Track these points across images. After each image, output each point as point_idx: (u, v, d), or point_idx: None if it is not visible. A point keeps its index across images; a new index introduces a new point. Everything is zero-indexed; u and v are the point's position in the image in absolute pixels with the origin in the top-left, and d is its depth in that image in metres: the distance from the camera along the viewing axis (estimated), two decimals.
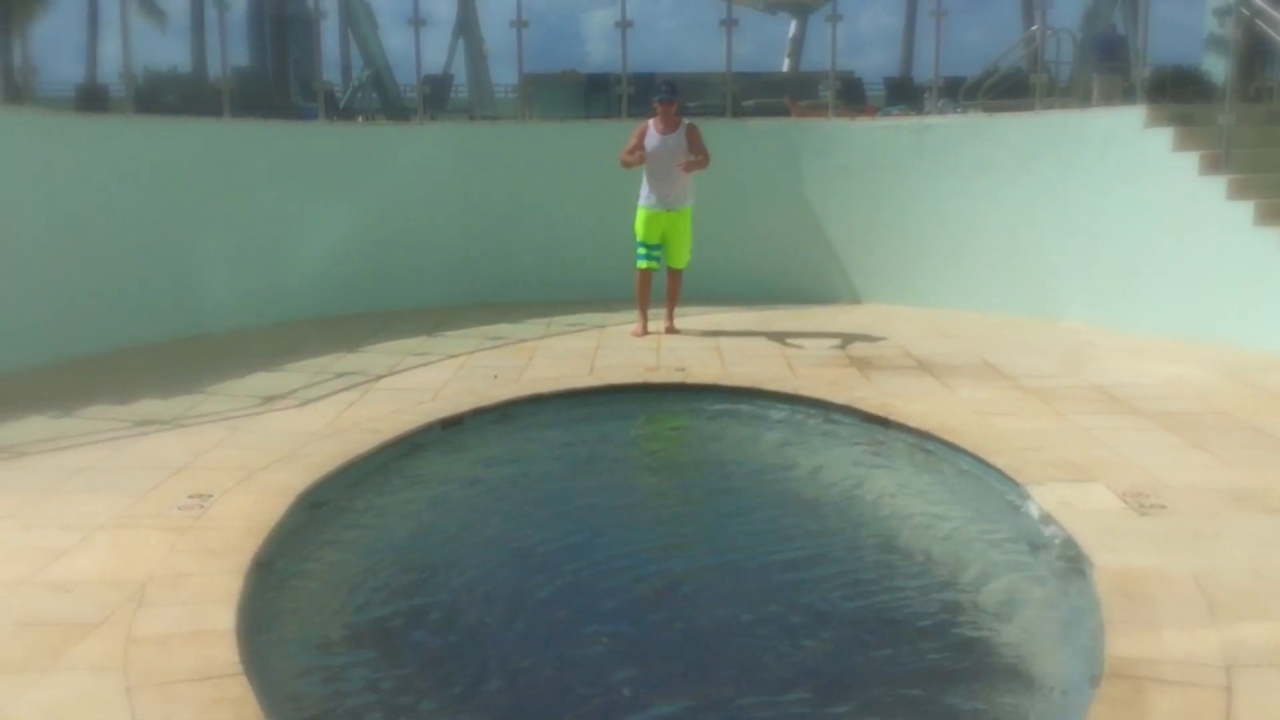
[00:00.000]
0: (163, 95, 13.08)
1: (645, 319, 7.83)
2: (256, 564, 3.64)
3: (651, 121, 7.77)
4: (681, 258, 7.87)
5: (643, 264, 7.81)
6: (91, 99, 12.99)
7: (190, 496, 4.27)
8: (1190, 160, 7.29)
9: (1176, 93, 10.28)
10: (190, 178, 7.89)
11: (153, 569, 3.56)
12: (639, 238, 7.80)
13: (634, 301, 7.87)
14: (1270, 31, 7.17)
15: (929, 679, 3.11)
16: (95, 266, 7.17)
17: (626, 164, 7.71)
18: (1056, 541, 3.88)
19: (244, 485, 4.41)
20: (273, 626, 3.36)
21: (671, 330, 7.83)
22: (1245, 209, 6.90)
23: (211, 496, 4.27)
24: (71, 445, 5.06)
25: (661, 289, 7.95)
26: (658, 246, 7.80)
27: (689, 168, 7.61)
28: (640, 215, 7.77)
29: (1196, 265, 7.26)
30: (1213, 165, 7.20)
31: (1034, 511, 4.16)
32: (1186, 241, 7.33)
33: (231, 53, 9.08)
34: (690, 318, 8.10)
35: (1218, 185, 7.09)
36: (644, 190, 7.75)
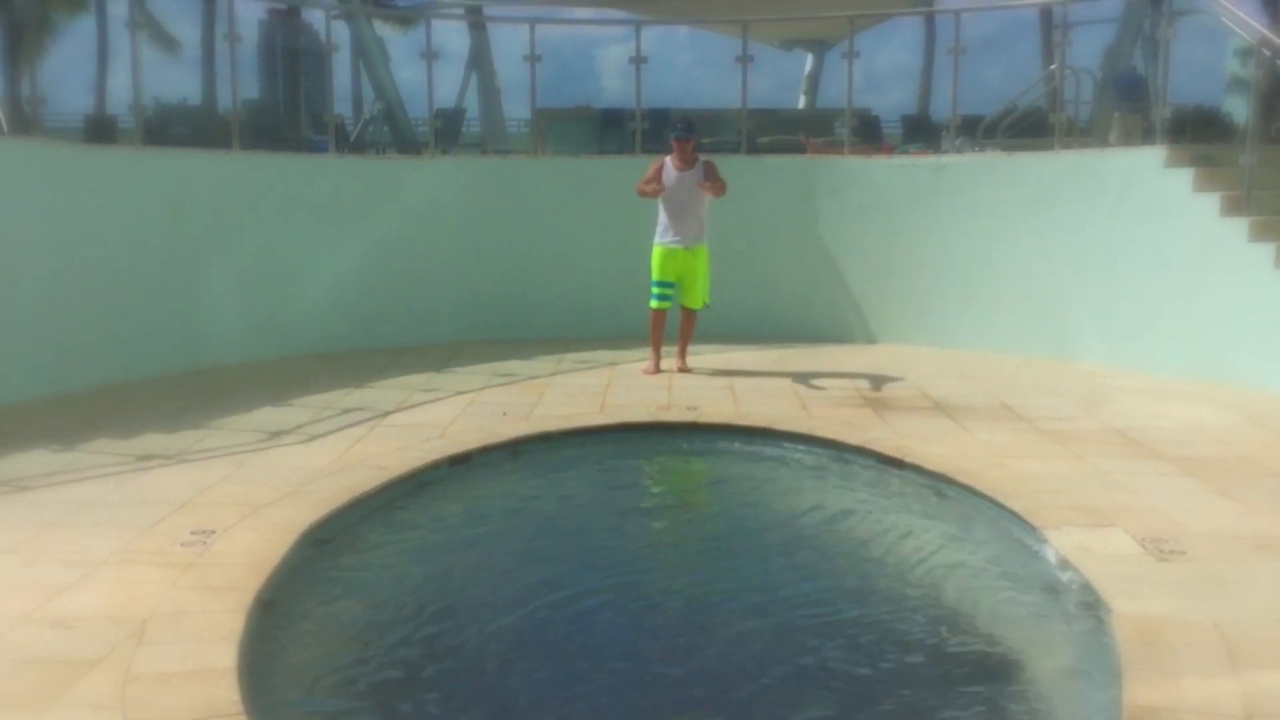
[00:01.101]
0: (172, 127, 13.24)
1: (658, 357, 7.87)
2: (259, 602, 3.66)
3: (668, 159, 7.80)
4: (698, 297, 7.88)
5: (655, 304, 7.87)
6: (100, 130, 13.17)
7: (193, 532, 4.30)
8: (1211, 201, 7.33)
9: (1197, 133, 10.33)
10: (199, 210, 7.99)
11: (154, 606, 3.59)
12: (654, 276, 7.83)
13: (646, 339, 7.92)
14: None
15: None
16: (101, 298, 7.25)
17: (643, 193, 7.78)
18: (1074, 587, 3.87)
19: (248, 521, 4.44)
20: (275, 666, 3.38)
21: (683, 369, 7.86)
22: (1267, 251, 6.92)
23: (215, 533, 4.30)
24: (74, 479, 5.10)
25: (675, 327, 7.98)
26: (672, 285, 7.84)
27: (706, 188, 7.62)
28: (656, 253, 7.82)
29: (1218, 307, 7.28)
30: (1234, 207, 7.24)
31: (1051, 556, 4.16)
32: (1207, 283, 7.35)
33: (242, 85, 9.19)
34: (703, 356, 8.15)
35: (1239, 227, 7.12)
36: (660, 228, 7.80)
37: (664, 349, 7.91)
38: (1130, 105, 10.40)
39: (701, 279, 7.85)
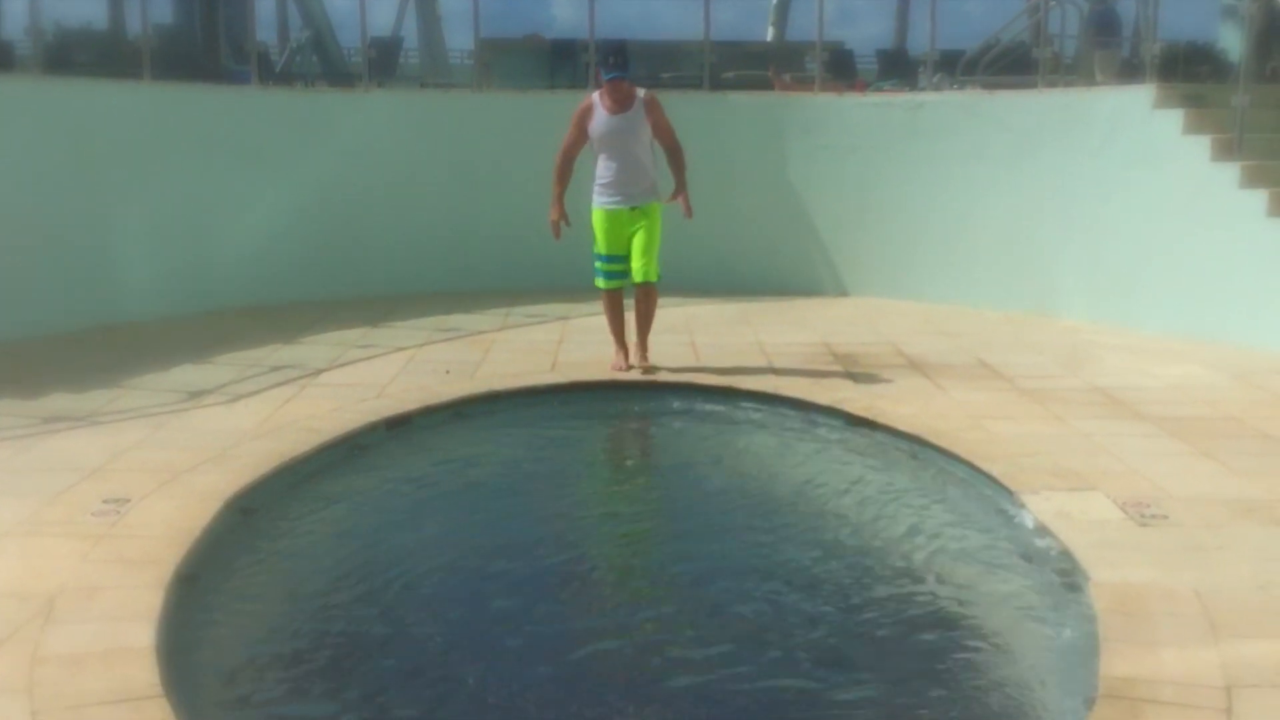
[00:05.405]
0: (75, 54, 12.91)
1: (625, 348, 6.67)
2: (179, 576, 3.64)
3: (596, 96, 6.49)
4: (651, 267, 6.48)
5: (603, 283, 6.63)
6: None
7: (106, 501, 4.26)
8: (1201, 145, 7.41)
9: (1188, 71, 10.43)
10: (107, 147, 7.84)
11: (63, 581, 3.56)
12: (597, 248, 6.59)
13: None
14: None
15: (912, 699, 3.17)
16: None
17: (564, 164, 6.54)
18: (1052, 554, 3.95)
19: (166, 489, 4.40)
20: (196, 645, 3.37)
21: (647, 368, 6.55)
22: (1259, 198, 7.02)
23: (129, 501, 4.26)
24: None
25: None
26: (622, 259, 6.53)
27: (680, 196, 6.54)
28: (596, 217, 6.53)
29: (1206, 259, 7.38)
30: (1225, 150, 7.32)
31: (1029, 522, 4.24)
32: (1196, 233, 7.45)
33: (154, 8, 9.01)
34: (664, 309, 7.83)
35: (1230, 172, 7.21)
36: (597, 184, 6.51)
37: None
38: (1102, 40, 10.46)
39: (653, 244, 6.49)
